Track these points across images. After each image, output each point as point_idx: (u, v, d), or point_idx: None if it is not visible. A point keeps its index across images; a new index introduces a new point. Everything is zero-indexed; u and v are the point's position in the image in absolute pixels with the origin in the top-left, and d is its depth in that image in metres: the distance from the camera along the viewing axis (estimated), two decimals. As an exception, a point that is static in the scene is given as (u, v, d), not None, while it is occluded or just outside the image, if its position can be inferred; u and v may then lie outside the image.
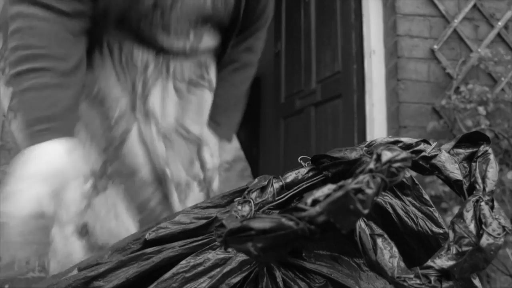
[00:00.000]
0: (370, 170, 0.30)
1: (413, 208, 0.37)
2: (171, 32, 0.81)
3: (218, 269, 0.36)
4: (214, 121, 0.93)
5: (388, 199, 0.37)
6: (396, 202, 0.37)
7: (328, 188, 0.29)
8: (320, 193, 0.29)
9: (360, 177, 0.29)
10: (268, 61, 3.23)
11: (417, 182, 0.39)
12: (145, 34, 0.80)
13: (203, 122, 0.90)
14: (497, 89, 2.04)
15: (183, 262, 0.36)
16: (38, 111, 0.66)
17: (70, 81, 0.70)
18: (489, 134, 1.86)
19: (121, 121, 0.79)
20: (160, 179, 0.81)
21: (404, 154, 0.31)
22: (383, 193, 0.36)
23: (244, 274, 0.35)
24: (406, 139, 0.38)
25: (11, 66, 0.69)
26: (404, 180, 0.38)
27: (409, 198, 0.38)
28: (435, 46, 2.09)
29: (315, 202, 0.29)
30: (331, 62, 2.49)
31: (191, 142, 0.88)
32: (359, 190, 0.28)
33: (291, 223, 0.29)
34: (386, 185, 0.30)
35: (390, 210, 0.37)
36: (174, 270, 0.36)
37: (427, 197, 0.38)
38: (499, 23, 2.13)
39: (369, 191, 0.28)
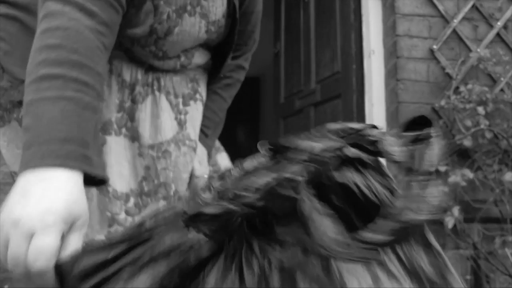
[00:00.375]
0: (304, 160, 0.35)
1: (375, 183, 0.40)
2: (163, 56, 0.81)
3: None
4: (203, 133, 0.95)
5: (351, 177, 0.40)
6: (359, 179, 0.40)
7: (268, 176, 0.34)
8: (261, 181, 0.35)
9: (294, 167, 0.34)
10: (267, 61, 3.24)
11: (377, 159, 0.42)
12: (136, 55, 0.80)
13: (197, 133, 0.92)
14: (497, 89, 2.04)
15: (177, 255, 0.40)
16: (73, 130, 0.53)
17: (100, 106, 0.60)
18: (488, 135, 1.87)
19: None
20: (129, 194, 0.80)
21: (335, 145, 0.37)
22: (347, 170, 0.40)
23: (215, 245, 0.39)
24: (354, 125, 0.41)
25: (42, 64, 0.56)
26: (368, 160, 0.41)
27: (371, 174, 0.41)
28: (435, 46, 2.09)
29: (257, 190, 0.35)
30: (331, 62, 2.49)
31: (191, 149, 0.89)
32: (291, 179, 0.34)
33: (236, 208, 0.35)
34: (319, 172, 0.35)
35: (354, 187, 0.40)
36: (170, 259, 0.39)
37: (386, 171, 0.42)
38: (499, 23, 2.13)
39: (300, 179, 0.34)
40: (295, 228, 0.39)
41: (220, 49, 0.91)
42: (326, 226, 0.36)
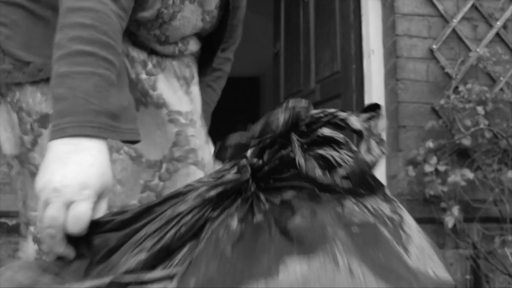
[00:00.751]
0: (285, 108, 0.57)
1: (346, 156, 0.56)
2: (165, 41, 0.86)
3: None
4: None
5: (329, 152, 0.56)
6: (334, 154, 0.56)
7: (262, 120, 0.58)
8: (256, 126, 0.58)
9: (276, 110, 0.57)
10: (267, 61, 3.24)
11: (348, 140, 0.58)
12: (139, 39, 0.84)
13: (200, 114, 0.97)
14: (496, 89, 2.04)
15: (201, 189, 0.54)
16: (103, 104, 0.59)
17: (120, 84, 0.65)
18: (488, 134, 1.87)
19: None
20: (163, 161, 0.86)
21: (305, 103, 0.58)
22: (326, 148, 0.57)
23: (222, 188, 0.54)
24: (330, 110, 0.60)
25: (76, 40, 0.61)
26: (339, 139, 0.57)
27: (344, 150, 0.57)
28: (434, 46, 2.09)
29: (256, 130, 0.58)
30: (330, 62, 2.49)
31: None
32: (277, 118, 0.56)
33: (244, 141, 0.58)
34: (293, 118, 0.56)
35: (331, 158, 0.56)
36: (194, 193, 0.54)
37: (355, 148, 0.57)
38: (498, 23, 2.13)
39: (281, 118, 0.56)
40: (290, 181, 0.56)
41: (209, 40, 0.98)
42: (312, 167, 0.54)
